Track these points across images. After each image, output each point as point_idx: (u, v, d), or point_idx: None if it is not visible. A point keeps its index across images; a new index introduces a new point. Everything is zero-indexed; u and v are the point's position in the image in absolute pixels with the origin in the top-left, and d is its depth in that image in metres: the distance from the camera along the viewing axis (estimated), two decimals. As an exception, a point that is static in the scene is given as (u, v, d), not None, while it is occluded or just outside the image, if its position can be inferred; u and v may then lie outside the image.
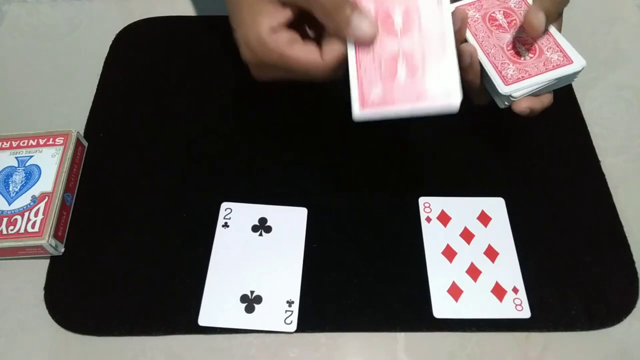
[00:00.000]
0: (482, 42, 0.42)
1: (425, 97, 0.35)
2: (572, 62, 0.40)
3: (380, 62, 0.36)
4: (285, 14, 0.37)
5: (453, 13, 0.39)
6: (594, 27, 0.59)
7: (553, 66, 0.40)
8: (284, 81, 0.40)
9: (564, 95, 0.54)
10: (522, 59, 0.40)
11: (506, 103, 0.41)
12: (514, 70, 0.40)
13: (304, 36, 0.39)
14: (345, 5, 0.35)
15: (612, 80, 0.55)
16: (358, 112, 0.36)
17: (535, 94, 0.41)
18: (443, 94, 0.35)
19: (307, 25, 0.39)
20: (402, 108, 0.36)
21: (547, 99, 0.42)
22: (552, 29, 0.42)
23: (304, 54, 0.37)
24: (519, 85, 0.40)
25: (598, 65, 0.57)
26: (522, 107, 0.40)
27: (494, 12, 0.43)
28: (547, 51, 0.41)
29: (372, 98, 0.36)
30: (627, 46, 0.58)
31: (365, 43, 0.37)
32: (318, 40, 0.39)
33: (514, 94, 0.40)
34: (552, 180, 0.48)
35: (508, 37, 0.41)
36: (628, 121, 0.53)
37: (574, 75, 0.41)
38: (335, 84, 0.39)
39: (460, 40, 0.42)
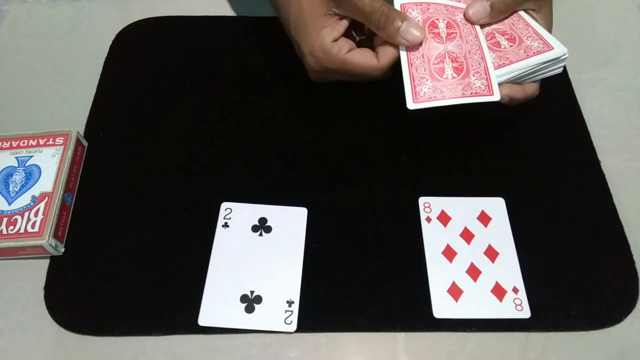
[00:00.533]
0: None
1: (470, 93, 0.40)
2: (553, 49, 0.41)
3: (429, 62, 0.42)
4: (343, 25, 0.43)
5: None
6: (594, 27, 0.59)
7: (534, 52, 0.41)
8: (341, 82, 0.46)
9: (564, 95, 0.54)
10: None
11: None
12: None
13: (353, 39, 0.45)
14: (396, 18, 0.41)
15: (612, 80, 0.55)
16: (412, 104, 0.41)
17: (519, 82, 0.42)
18: (484, 90, 0.40)
19: (353, 30, 0.45)
20: (450, 102, 0.41)
21: (531, 89, 0.42)
22: (530, 19, 0.43)
23: (363, 59, 0.42)
24: (499, 71, 0.41)
25: (598, 65, 0.57)
26: (501, 94, 0.40)
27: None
28: (527, 39, 0.42)
29: (423, 92, 0.41)
30: (627, 46, 0.58)
31: (415, 45, 0.42)
32: (363, 42, 0.45)
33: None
34: (552, 180, 0.48)
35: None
36: (628, 121, 0.53)
37: (557, 63, 0.41)
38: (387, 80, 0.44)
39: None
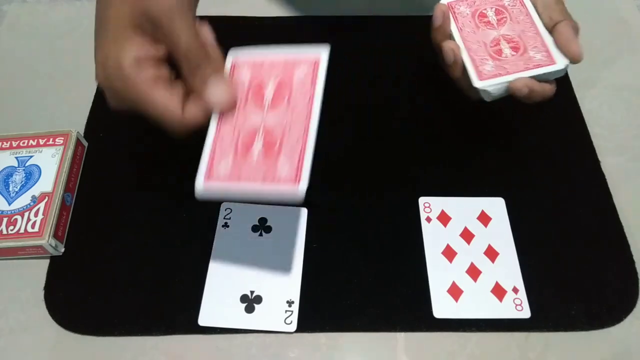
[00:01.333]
0: (466, 38, 0.43)
1: (271, 178, 0.32)
2: (555, 63, 0.41)
3: (239, 134, 0.34)
4: (156, 50, 0.34)
5: (435, 9, 0.42)
6: (594, 27, 0.59)
7: (534, 65, 0.41)
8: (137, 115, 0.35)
9: (564, 95, 0.54)
10: (504, 56, 0.41)
11: (489, 97, 0.42)
12: (491, 67, 0.41)
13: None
14: (206, 63, 0.33)
15: (612, 80, 0.55)
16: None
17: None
18: (290, 178, 0.32)
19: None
20: (245, 187, 0.33)
21: (548, 87, 0.42)
22: (542, 29, 0.43)
23: (164, 101, 0.34)
24: (493, 81, 0.41)
25: (598, 65, 0.57)
26: (518, 85, 0.40)
27: (485, 9, 0.44)
28: (532, 50, 0.42)
29: (219, 171, 0.33)
30: (627, 46, 0.58)
31: (220, 110, 0.35)
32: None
33: (488, 89, 0.41)
34: (552, 180, 0.48)
35: (494, 34, 0.43)
36: (628, 121, 0.53)
37: (556, 74, 0.42)
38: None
39: (443, 35, 0.44)
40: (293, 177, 0.32)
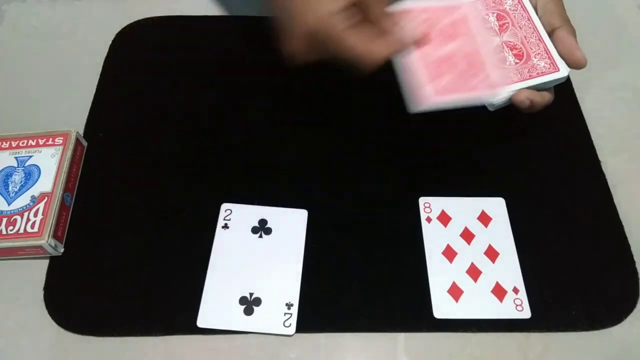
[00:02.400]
0: None
1: (535, 73, 0.41)
2: (558, 70, 0.41)
3: (439, 59, 0.41)
4: (345, 1, 0.38)
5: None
6: (594, 27, 0.59)
7: (537, 73, 0.41)
8: (323, 59, 0.40)
9: (564, 95, 0.53)
10: (507, 64, 0.41)
11: (492, 107, 0.42)
12: (497, 75, 0.41)
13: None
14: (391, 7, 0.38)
15: (612, 80, 0.55)
16: (430, 98, 0.40)
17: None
18: (549, 68, 0.41)
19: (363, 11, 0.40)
20: (520, 85, 0.40)
21: (547, 96, 0.42)
22: (544, 34, 0.42)
23: (360, 43, 0.38)
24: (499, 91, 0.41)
25: (598, 65, 0.56)
26: (521, 97, 0.40)
27: (486, 15, 0.43)
28: (535, 57, 0.42)
29: (440, 87, 0.40)
30: (627, 46, 0.58)
31: (412, 45, 0.41)
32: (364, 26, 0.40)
33: (492, 99, 0.41)
34: (552, 180, 0.48)
35: (497, 40, 0.42)
36: (628, 121, 0.53)
37: (559, 81, 0.42)
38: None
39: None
40: (552, 67, 0.41)
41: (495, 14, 0.44)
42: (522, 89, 0.41)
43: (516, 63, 0.41)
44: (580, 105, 0.53)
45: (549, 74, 0.41)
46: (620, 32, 0.60)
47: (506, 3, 0.44)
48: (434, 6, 0.43)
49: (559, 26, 0.42)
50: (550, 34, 0.42)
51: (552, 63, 0.41)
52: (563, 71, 0.41)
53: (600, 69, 0.56)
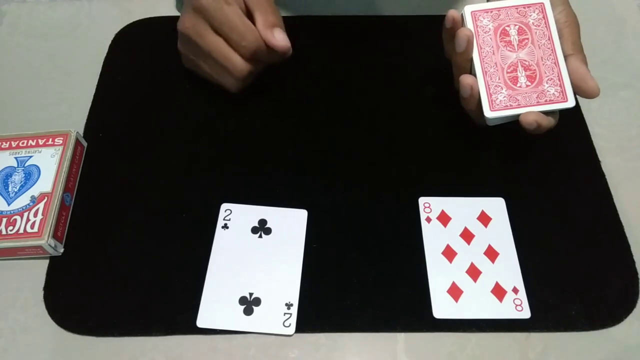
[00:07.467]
0: (485, 59, 0.42)
1: (543, 100, 0.42)
2: (566, 101, 0.41)
3: (504, 71, 0.42)
4: None
5: (458, 32, 0.42)
6: (594, 27, 0.59)
7: (545, 101, 0.41)
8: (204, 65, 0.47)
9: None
10: (518, 85, 0.41)
11: (492, 123, 0.43)
12: (504, 97, 0.41)
13: None
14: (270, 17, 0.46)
15: (612, 80, 0.55)
16: (489, 112, 0.42)
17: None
18: (558, 97, 0.42)
19: None
20: (525, 110, 0.41)
21: (553, 121, 0.43)
22: (560, 58, 0.42)
23: (240, 19, 0.44)
24: (504, 112, 0.41)
25: (598, 65, 0.56)
26: (529, 119, 0.40)
27: (508, 26, 0.43)
28: (547, 82, 0.42)
29: (499, 100, 0.42)
30: (627, 46, 0.58)
31: (284, 51, 0.45)
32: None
33: (496, 119, 0.42)
34: (552, 180, 0.48)
35: (513, 57, 0.42)
36: (628, 121, 0.53)
37: (565, 110, 0.42)
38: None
39: (465, 58, 0.43)
40: (561, 97, 0.42)
41: (517, 27, 0.43)
42: (531, 112, 0.41)
43: (527, 86, 0.41)
44: (580, 105, 0.53)
45: (556, 102, 0.41)
46: (620, 32, 0.59)
47: (530, 16, 0.43)
48: (501, 8, 0.44)
49: (571, 54, 0.42)
50: (565, 60, 0.42)
51: (562, 92, 0.41)
52: (571, 102, 0.41)
53: (600, 69, 0.56)
